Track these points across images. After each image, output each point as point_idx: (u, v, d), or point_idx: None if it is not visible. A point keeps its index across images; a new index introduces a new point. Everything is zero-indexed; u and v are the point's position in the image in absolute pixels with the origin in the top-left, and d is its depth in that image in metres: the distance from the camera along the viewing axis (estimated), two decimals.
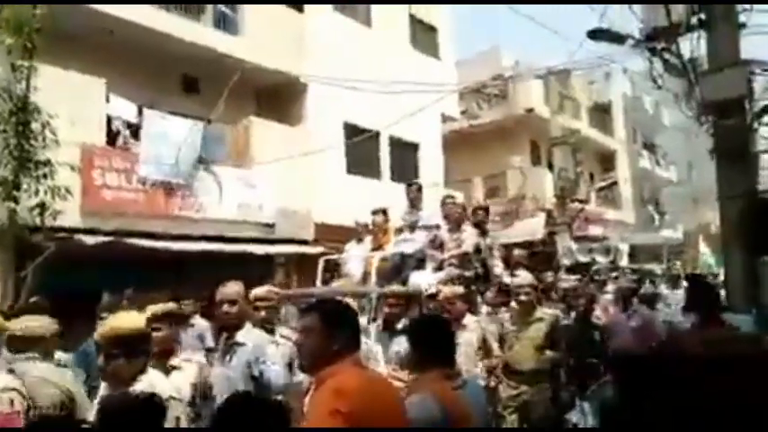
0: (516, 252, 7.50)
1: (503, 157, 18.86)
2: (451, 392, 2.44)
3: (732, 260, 4.52)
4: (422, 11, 15.15)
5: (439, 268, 6.29)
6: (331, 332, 2.10)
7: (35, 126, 6.86)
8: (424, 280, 5.81)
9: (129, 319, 2.61)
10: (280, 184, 10.47)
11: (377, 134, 12.61)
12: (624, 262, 10.27)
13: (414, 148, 14.44)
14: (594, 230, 15.90)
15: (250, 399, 1.85)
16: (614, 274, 9.49)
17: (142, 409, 1.90)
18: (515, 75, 16.53)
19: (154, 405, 1.95)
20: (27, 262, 7.01)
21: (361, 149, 12.57)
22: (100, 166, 8.48)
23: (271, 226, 10.49)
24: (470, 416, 2.42)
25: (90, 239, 7.72)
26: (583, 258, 9.66)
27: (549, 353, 4.76)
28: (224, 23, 10.78)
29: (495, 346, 4.94)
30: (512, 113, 18.76)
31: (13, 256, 7.21)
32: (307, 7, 12.12)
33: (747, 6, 4.60)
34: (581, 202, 15.34)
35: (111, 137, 9.13)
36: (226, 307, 3.42)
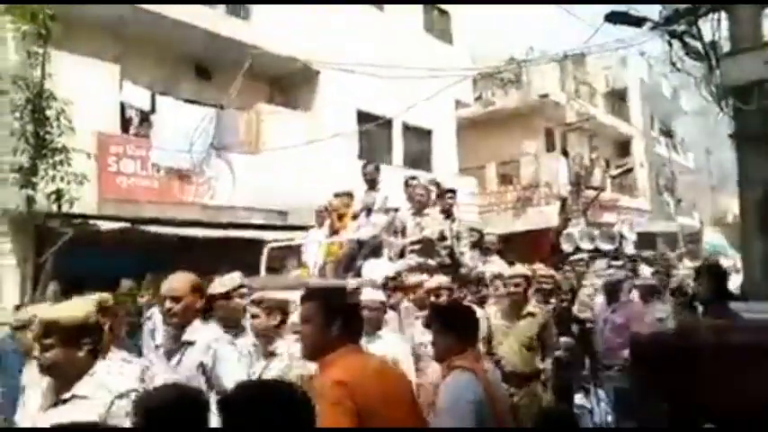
0: (488, 238, 7.00)
1: (517, 143, 18.69)
2: (485, 373, 2.52)
3: (752, 247, 4.44)
4: None
5: (401, 256, 5.77)
6: (330, 320, 2.12)
7: (50, 113, 6.91)
8: (379, 269, 5.31)
9: (68, 307, 2.30)
10: (292, 170, 10.47)
11: (389, 121, 12.55)
12: (630, 249, 9.87)
13: (427, 134, 14.36)
14: (609, 217, 15.74)
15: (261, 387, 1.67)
16: (616, 263, 9.09)
17: (186, 403, 1.76)
18: (530, 59, 16.30)
19: (197, 400, 1.82)
20: (45, 248, 7.12)
21: (373, 136, 12.53)
22: (115, 153, 8.55)
23: (283, 213, 10.52)
24: (503, 396, 2.48)
25: (106, 225, 7.80)
26: (585, 245, 9.34)
27: (542, 363, 4.25)
28: (237, 9, 10.74)
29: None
30: (526, 99, 18.55)
31: (31, 241, 7.32)
32: None
33: None
34: (596, 189, 15.17)
35: (125, 123, 9.18)
36: (168, 303, 2.97)
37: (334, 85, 11.79)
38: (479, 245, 6.80)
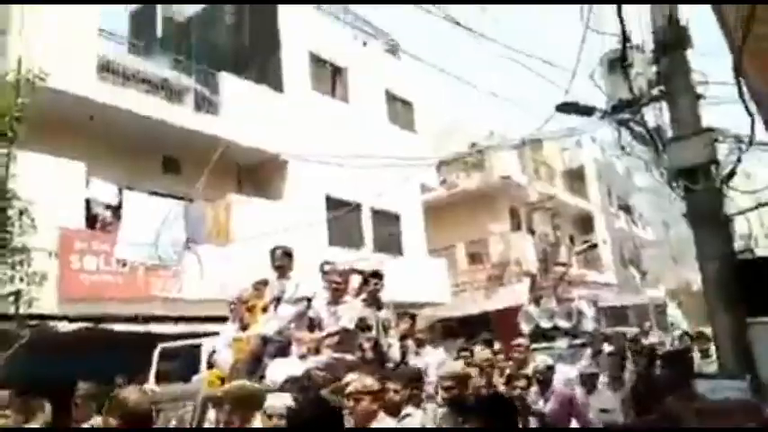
0: (403, 326, 5.99)
1: (484, 223, 19.11)
2: None
3: (719, 322, 4.53)
4: (397, 87, 15.75)
5: (316, 352, 5.06)
6: None
7: (12, 212, 6.80)
8: (284, 369, 4.61)
9: None
10: (261, 260, 10.39)
11: (358, 206, 12.76)
12: (589, 326, 9.65)
13: (395, 218, 14.60)
14: (579, 293, 15.94)
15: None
16: (576, 341, 8.74)
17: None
18: (491, 144, 17.04)
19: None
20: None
21: (343, 222, 12.66)
22: (79, 249, 8.39)
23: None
24: None
25: (66, 326, 7.50)
26: (544, 323, 9.15)
27: None
28: (204, 105, 11.06)
29: None
30: (489, 181, 19.20)
31: None
32: (286, 86, 12.54)
33: (703, 79, 4.90)
34: (563, 265, 15.44)
35: (91, 219, 9.08)
36: None
37: (302, 174, 12.03)
38: (411, 334, 6.03)
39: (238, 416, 3.49)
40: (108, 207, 9.28)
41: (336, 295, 5.37)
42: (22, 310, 6.84)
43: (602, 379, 5.97)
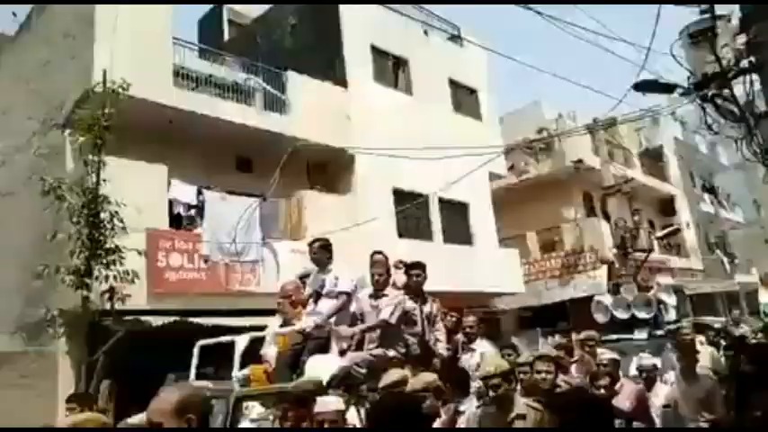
0: (470, 318, 5.79)
1: (556, 210, 18.55)
2: None
3: None
4: (460, 74, 15.52)
5: (359, 347, 4.90)
6: None
7: (104, 215, 7.28)
8: (321, 367, 4.43)
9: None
10: (335, 253, 10.59)
11: (425, 197, 12.71)
12: (672, 315, 9.01)
13: (464, 208, 14.43)
14: (662, 280, 15.15)
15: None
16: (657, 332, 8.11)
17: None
18: (561, 128, 16.46)
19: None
20: (98, 346, 7.27)
21: (411, 213, 12.67)
22: (164, 248, 8.86)
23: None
24: None
25: (156, 320, 7.96)
26: (620, 314, 8.55)
27: None
28: (273, 105, 11.36)
29: None
30: (560, 166, 18.59)
31: (85, 340, 7.49)
32: (350, 81, 12.66)
33: None
34: (643, 251, 14.71)
35: (174, 219, 9.57)
36: None
37: (369, 168, 12.12)
38: (459, 329, 5.78)
39: (293, 413, 3.58)
40: (189, 207, 9.74)
41: (378, 288, 5.13)
42: (117, 307, 7.32)
43: (675, 373, 5.54)
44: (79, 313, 7.30)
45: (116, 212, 7.27)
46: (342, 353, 4.87)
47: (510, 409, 3.45)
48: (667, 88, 5.13)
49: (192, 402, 2.19)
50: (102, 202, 7.30)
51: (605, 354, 5.16)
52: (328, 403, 3.48)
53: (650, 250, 15.37)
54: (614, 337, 7.90)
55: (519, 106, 20.88)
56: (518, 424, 3.40)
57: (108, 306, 7.34)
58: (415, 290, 5.29)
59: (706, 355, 6.08)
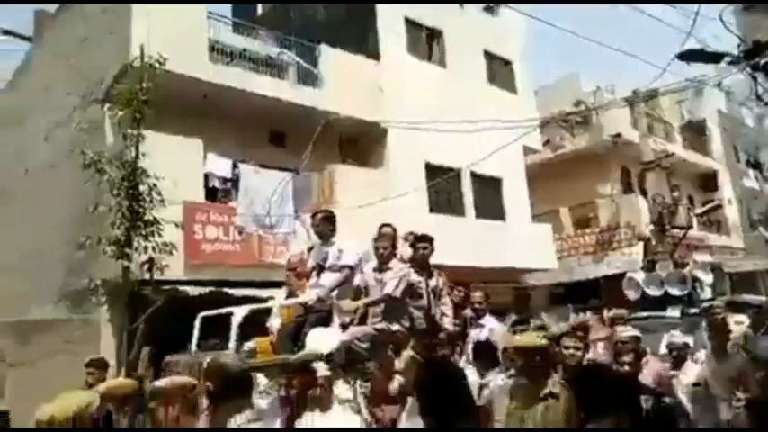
0: (478, 294, 5.72)
1: (591, 185, 18.16)
2: None
3: None
4: (495, 46, 15.17)
5: (362, 321, 4.79)
6: None
7: (143, 188, 7.46)
8: (321, 340, 4.34)
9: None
10: (365, 227, 10.64)
11: (458, 172, 12.60)
12: (707, 293, 8.66)
13: (497, 183, 14.26)
14: (700, 258, 14.76)
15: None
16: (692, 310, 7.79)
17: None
18: (599, 101, 16.00)
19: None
20: (139, 314, 7.53)
21: (443, 188, 12.58)
22: (200, 221, 9.05)
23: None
24: None
25: (193, 290, 8.18)
26: (653, 291, 8.25)
27: None
28: (306, 79, 11.35)
29: None
30: (597, 140, 18.12)
31: (126, 309, 7.77)
32: (382, 54, 12.52)
33: None
34: (682, 228, 14.31)
35: (209, 192, 9.74)
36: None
37: (401, 142, 12.05)
38: (467, 304, 5.68)
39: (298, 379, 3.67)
40: (224, 180, 9.89)
41: (382, 261, 4.96)
42: (156, 277, 7.54)
43: (706, 351, 5.32)
44: (120, 283, 7.55)
45: (154, 185, 7.44)
46: (343, 327, 4.78)
47: (544, 385, 3.35)
48: (714, 57, 4.89)
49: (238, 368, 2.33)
50: (140, 175, 7.47)
51: (627, 331, 5.00)
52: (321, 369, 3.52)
53: (689, 227, 14.94)
54: (644, 314, 7.69)
55: (555, 79, 20.34)
56: (550, 402, 3.28)
57: (147, 276, 7.56)
58: (420, 263, 5.19)
59: (739, 333, 5.91)
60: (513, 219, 14.24)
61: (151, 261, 7.41)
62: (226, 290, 8.37)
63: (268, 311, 5.71)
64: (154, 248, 7.40)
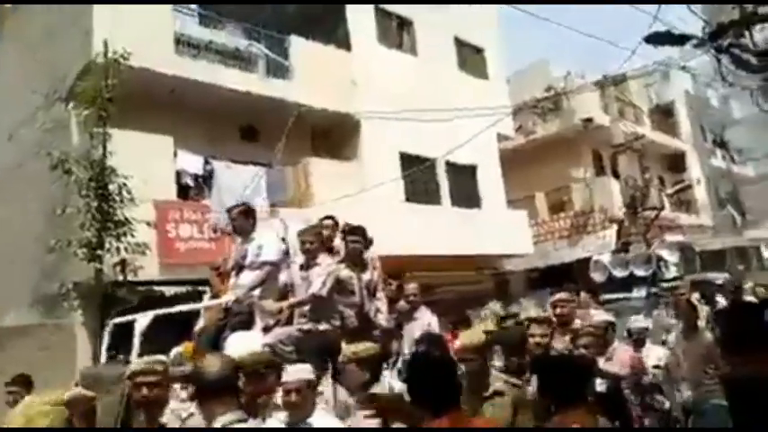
0: (411, 286, 5.40)
1: (564, 169, 18.39)
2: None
3: None
4: (466, 33, 15.17)
5: (288, 323, 4.42)
6: None
7: (113, 188, 7.29)
8: (242, 344, 3.96)
9: None
10: (340, 220, 10.59)
11: (432, 161, 12.61)
12: (672, 272, 8.79)
13: (471, 170, 14.32)
14: (672, 238, 15.08)
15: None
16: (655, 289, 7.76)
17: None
18: (569, 86, 16.15)
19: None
20: (113, 316, 7.37)
21: (419, 177, 12.59)
22: (173, 219, 8.89)
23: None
24: None
25: (169, 290, 8.04)
26: (618, 272, 8.33)
27: None
28: (276, 71, 11.18)
29: None
30: (569, 125, 18.32)
31: (99, 312, 7.61)
32: (353, 44, 12.42)
33: None
34: (653, 209, 14.60)
35: (181, 190, 9.56)
36: None
37: (375, 133, 11.99)
38: (401, 297, 5.37)
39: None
40: (196, 177, 9.72)
41: (309, 257, 4.56)
42: (129, 278, 7.40)
43: (675, 333, 5.45)
44: (93, 285, 7.39)
45: (124, 184, 7.28)
46: (266, 329, 4.41)
47: (486, 386, 3.25)
48: (681, 40, 4.96)
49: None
50: (109, 174, 7.31)
51: (598, 315, 4.90)
52: (295, 372, 3.15)
53: (661, 208, 15.25)
54: (613, 296, 7.78)
55: (525, 65, 20.46)
56: (496, 401, 3.19)
57: (121, 278, 7.41)
58: (352, 257, 4.82)
59: (702, 312, 6.02)
60: (488, 205, 14.35)
61: (123, 262, 7.28)
62: (202, 288, 8.25)
63: (194, 315, 5.18)
64: (126, 249, 7.27)
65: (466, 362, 3.29)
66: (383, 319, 4.86)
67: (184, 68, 9.62)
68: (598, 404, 3.15)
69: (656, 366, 5.02)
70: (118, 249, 7.25)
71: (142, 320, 5.33)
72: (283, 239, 5.06)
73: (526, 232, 15.62)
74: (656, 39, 5.55)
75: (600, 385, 3.86)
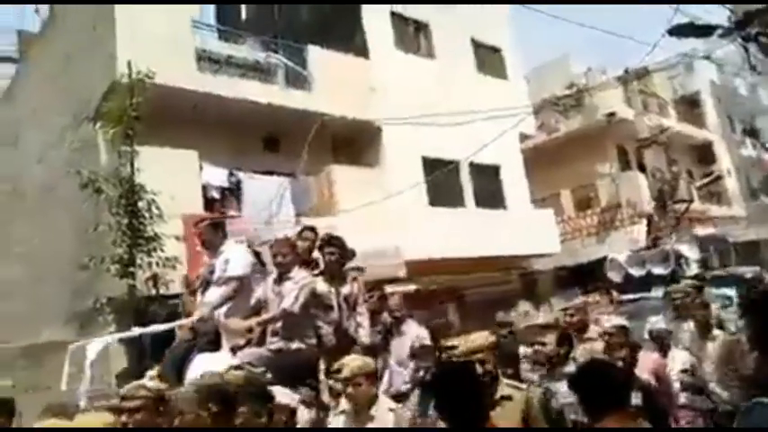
0: (395, 298, 5.23)
1: (589, 166, 18.12)
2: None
3: None
4: (483, 34, 15.09)
5: (260, 342, 4.12)
6: None
7: (142, 204, 7.42)
8: (207, 367, 3.41)
9: None
10: (366, 226, 10.59)
11: (455, 163, 12.55)
12: (694, 269, 8.38)
13: (495, 171, 14.21)
14: (703, 231, 14.75)
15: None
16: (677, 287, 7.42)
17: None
18: (591, 81, 15.95)
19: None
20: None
21: (441, 181, 12.55)
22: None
23: (360, 269, 10.59)
24: None
25: None
26: (635, 271, 8.00)
27: None
28: (295, 81, 11.27)
29: None
30: (592, 121, 18.07)
31: (132, 326, 7.73)
32: (371, 51, 12.45)
33: None
34: (683, 202, 14.30)
35: (207, 203, 9.69)
36: None
37: (397, 138, 11.99)
38: (384, 309, 5.13)
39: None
40: (222, 190, 9.84)
41: (282, 271, 4.26)
42: (161, 292, 7.51)
43: (689, 334, 4.92)
44: (126, 300, 7.52)
45: (152, 200, 7.40)
46: (235, 350, 4.06)
47: (494, 390, 3.17)
48: (705, 31, 4.83)
49: None
50: (138, 191, 7.44)
51: (611, 320, 4.54)
52: (278, 397, 2.99)
53: (690, 201, 14.94)
54: (627, 297, 7.40)
55: (543, 62, 20.24)
56: (506, 406, 3.11)
57: (153, 292, 7.53)
58: (330, 270, 4.57)
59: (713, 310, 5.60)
60: (513, 206, 14.22)
61: (155, 277, 7.38)
62: None
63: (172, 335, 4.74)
64: (157, 264, 7.38)
65: (481, 363, 3.20)
66: (364, 335, 4.58)
67: (206, 84, 9.77)
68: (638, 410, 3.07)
69: (684, 371, 4.78)
70: (149, 264, 7.36)
71: (92, 348, 4.95)
72: (257, 253, 4.68)
73: (553, 231, 15.43)
74: (679, 31, 5.43)
75: (635, 398, 3.54)
